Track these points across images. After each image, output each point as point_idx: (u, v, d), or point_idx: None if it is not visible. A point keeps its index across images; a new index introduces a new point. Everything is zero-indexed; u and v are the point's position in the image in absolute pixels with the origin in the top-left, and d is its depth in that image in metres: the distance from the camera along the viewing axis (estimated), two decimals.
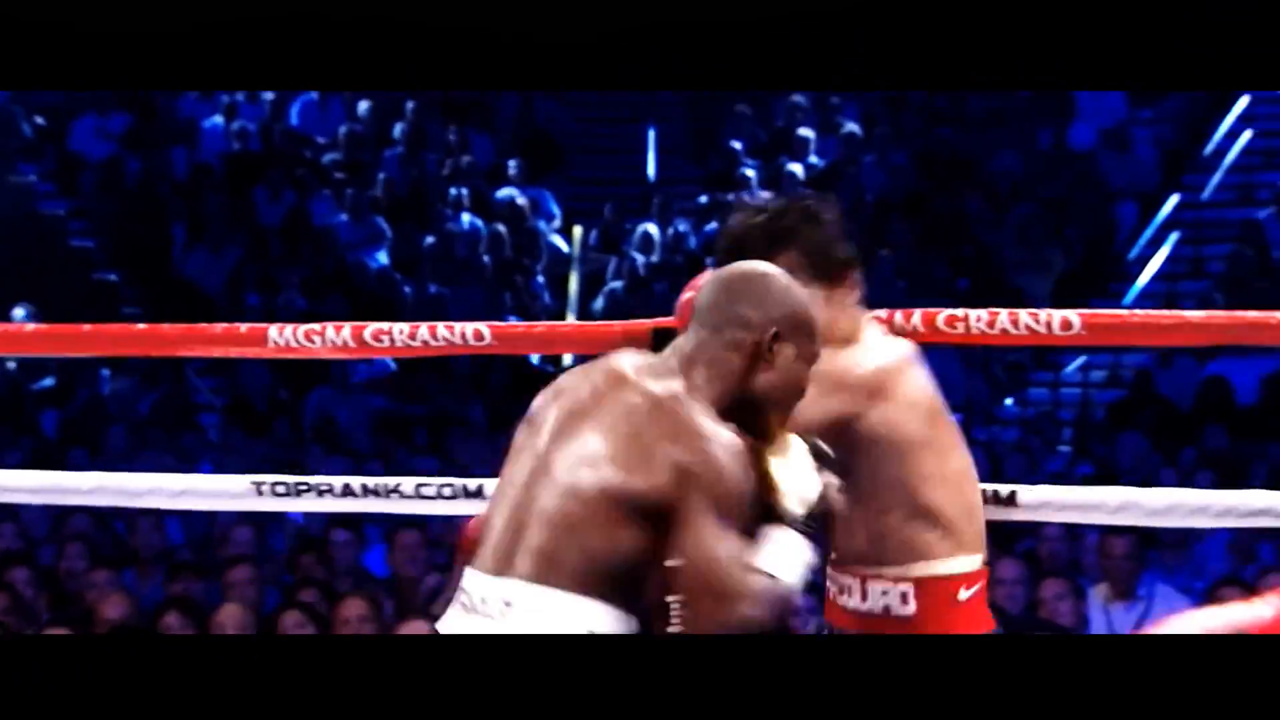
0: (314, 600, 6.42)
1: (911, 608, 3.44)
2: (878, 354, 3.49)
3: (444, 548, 7.45)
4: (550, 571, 3.02)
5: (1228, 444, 10.46)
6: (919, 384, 3.50)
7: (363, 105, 14.93)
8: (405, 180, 14.38)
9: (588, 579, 3.01)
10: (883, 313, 3.93)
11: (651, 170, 15.51)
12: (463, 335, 4.18)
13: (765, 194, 3.61)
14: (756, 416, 3.16)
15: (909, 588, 3.43)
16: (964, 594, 3.45)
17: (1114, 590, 6.84)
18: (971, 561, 3.49)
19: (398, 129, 14.75)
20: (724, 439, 3.07)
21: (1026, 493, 3.91)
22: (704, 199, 14.58)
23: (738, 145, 14.85)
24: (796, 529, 3.12)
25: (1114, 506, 3.96)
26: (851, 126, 14.68)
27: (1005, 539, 7.47)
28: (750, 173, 14.43)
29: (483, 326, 4.21)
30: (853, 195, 13.92)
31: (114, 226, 13.75)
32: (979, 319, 3.92)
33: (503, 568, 3.06)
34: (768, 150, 14.82)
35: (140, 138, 14.31)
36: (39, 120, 14.48)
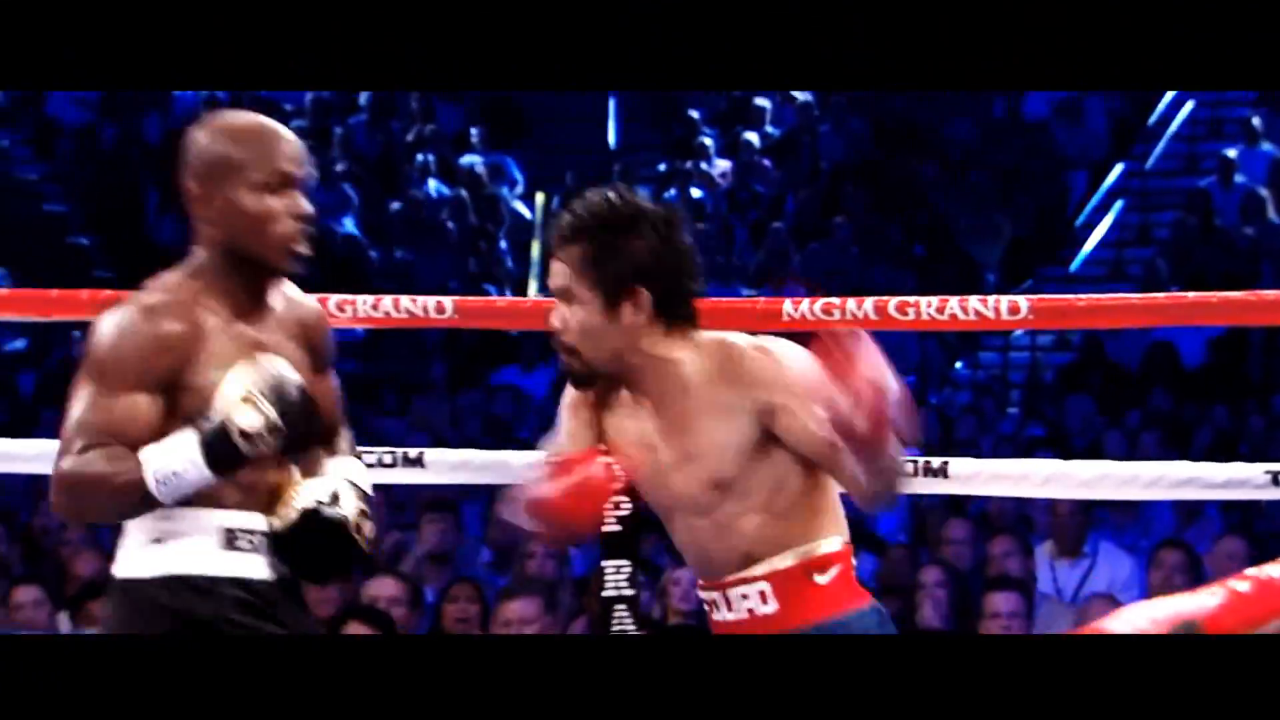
0: None
1: (772, 605, 3.22)
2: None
3: (405, 510, 7.66)
4: None
5: (1173, 406, 10.60)
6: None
7: None
8: (372, 147, 14.48)
9: None
10: (836, 300, 4.01)
11: (613, 138, 15.66)
12: (424, 307, 4.25)
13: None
14: (244, 263, 3.17)
15: (765, 585, 3.22)
16: (821, 578, 3.23)
17: (1060, 548, 6.91)
18: (829, 544, 3.25)
19: (364, 96, 14.77)
20: (115, 309, 3.13)
21: (957, 465, 3.96)
22: (664, 166, 14.72)
23: (696, 114, 14.96)
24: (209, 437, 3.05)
25: (1042, 478, 4.01)
26: (807, 96, 14.75)
27: (957, 499, 7.64)
28: (709, 141, 14.60)
29: (445, 300, 4.29)
30: (809, 163, 14.13)
31: (88, 191, 13.81)
32: (929, 305, 3.97)
33: None
34: (726, 118, 14.97)
35: (115, 104, 14.31)
36: None
